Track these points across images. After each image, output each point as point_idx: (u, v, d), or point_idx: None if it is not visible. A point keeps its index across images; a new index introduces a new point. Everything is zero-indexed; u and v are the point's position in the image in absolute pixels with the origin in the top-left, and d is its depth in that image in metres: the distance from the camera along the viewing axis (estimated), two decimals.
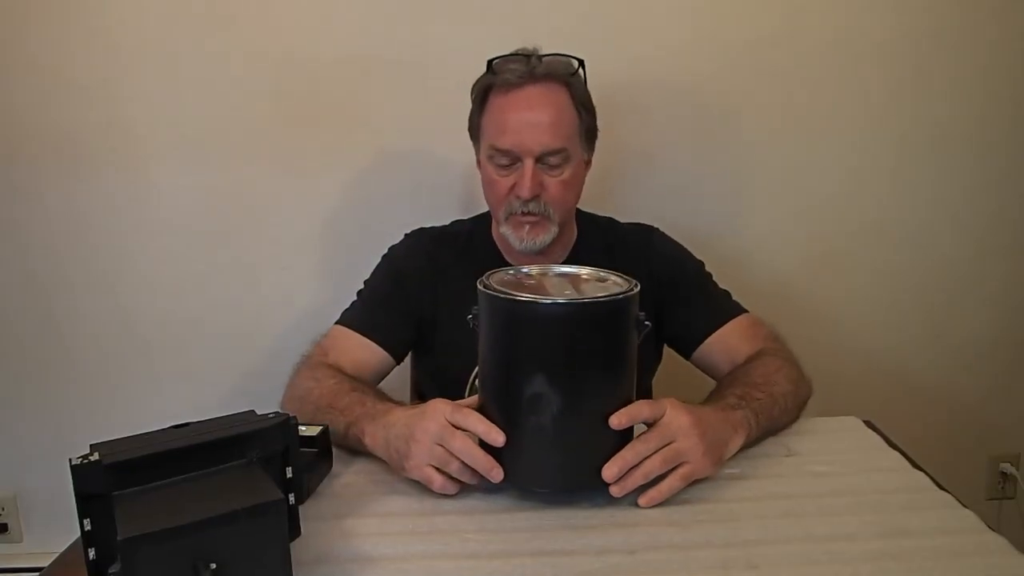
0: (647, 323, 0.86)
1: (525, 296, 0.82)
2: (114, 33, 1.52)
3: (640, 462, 0.84)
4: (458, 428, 0.85)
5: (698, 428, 0.87)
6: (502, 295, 0.82)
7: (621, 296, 0.83)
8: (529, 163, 1.14)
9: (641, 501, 0.85)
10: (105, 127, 1.56)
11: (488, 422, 0.84)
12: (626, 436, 0.86)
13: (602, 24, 1.55)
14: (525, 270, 0.94)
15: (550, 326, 0.81)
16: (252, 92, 1.56)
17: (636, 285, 0.86)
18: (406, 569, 0.76)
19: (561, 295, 0.84)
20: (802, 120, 1.63)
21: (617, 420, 0.83)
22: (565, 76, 1.17)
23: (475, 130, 1.23)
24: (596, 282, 0.90)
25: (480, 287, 0.86)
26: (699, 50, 1.58)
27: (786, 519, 0.83)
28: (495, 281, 0.87)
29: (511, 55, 1.18)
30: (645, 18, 1.56)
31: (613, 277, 0.90)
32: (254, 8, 1.52)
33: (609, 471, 0.83)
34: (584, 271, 0.94)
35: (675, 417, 0.86)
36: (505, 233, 1.20)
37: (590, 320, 0.82)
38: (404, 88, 1.56)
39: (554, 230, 1.18)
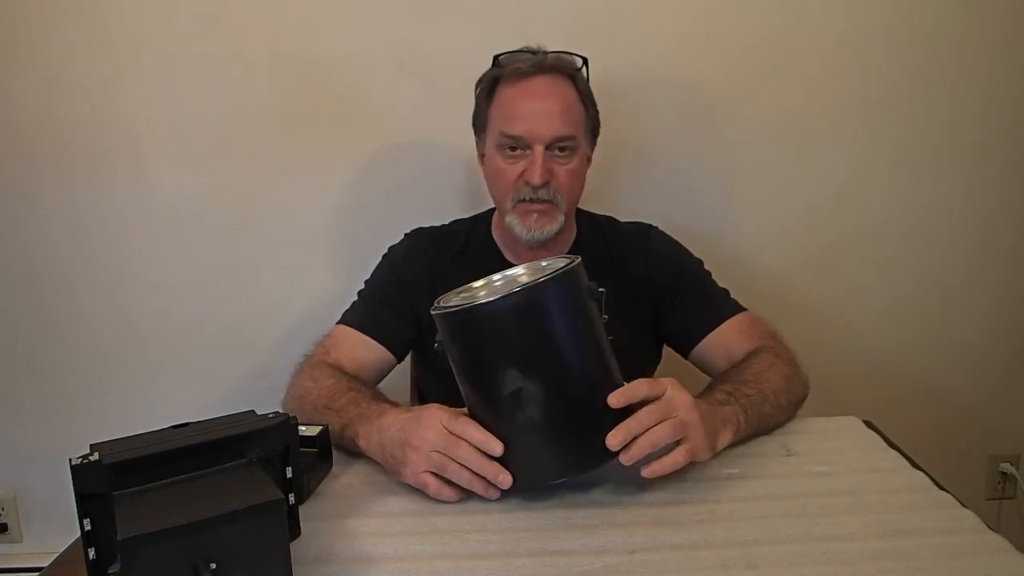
0: (601, 289, 0.85)
1: (458, 303, 0.83)
2: (114, 33, 1.52)
3: (644, 431, 0.83)
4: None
5: (698, 408, 0.87)
6: (443, 310, 0.83)
7: (556, 273, 0.82)
8: (539, 149, 1.14)
9: (644, 472, 0.85)
10: (104, 127, 1.56)
11: (485, 431, 0.84)
12: (623, 414, 0.85)
13: (602, 23, 1.55)
14: (475, 285, 0.95)
15: (498, 323, 0.81)
16: (252, 92, 1.56)
17: (576, 259, 0.85)
18: (406, 569, 0.76)
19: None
20: (802, 120, 1.63)
21: (615, 399, 0.83)
22: (571, 70, 1.19)
23: (481, 121, 1.23)
24: (537, 273, 0.91)
25: (431, 311, 0.86)
26: (699, 49, 1.58)
27: (786, 519, 0.83)
28: (443, 302, 0.88)
29: (518, 51, 1.20)
30: (646, 17, 1.56)
31: (555, 264, 0.90)
32: (253, 7, 1.52)
33: (613, 439, 0.82)
34: (521, 269, 0.95)
35: (676, 395, 0.86)
36: (511, 223, 1.19)
37: (532, 305, 0.81)
38: (404, 87, 1.56)
39: (561, 219, 1.19)
